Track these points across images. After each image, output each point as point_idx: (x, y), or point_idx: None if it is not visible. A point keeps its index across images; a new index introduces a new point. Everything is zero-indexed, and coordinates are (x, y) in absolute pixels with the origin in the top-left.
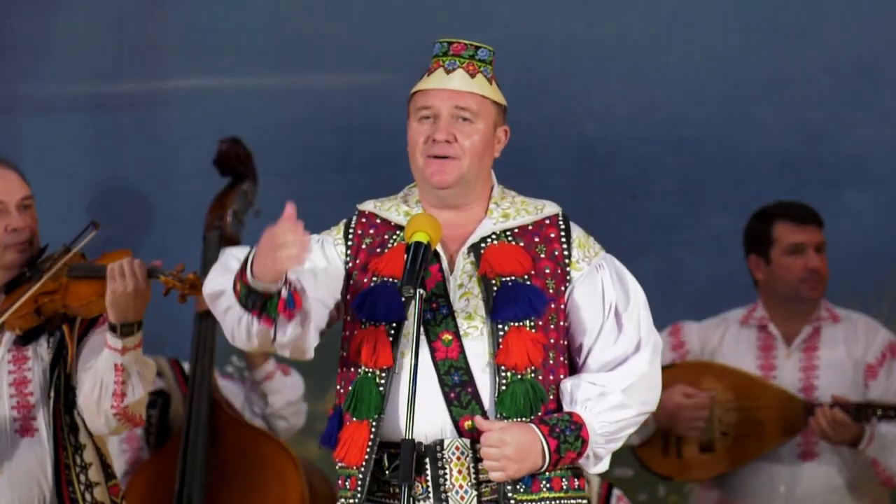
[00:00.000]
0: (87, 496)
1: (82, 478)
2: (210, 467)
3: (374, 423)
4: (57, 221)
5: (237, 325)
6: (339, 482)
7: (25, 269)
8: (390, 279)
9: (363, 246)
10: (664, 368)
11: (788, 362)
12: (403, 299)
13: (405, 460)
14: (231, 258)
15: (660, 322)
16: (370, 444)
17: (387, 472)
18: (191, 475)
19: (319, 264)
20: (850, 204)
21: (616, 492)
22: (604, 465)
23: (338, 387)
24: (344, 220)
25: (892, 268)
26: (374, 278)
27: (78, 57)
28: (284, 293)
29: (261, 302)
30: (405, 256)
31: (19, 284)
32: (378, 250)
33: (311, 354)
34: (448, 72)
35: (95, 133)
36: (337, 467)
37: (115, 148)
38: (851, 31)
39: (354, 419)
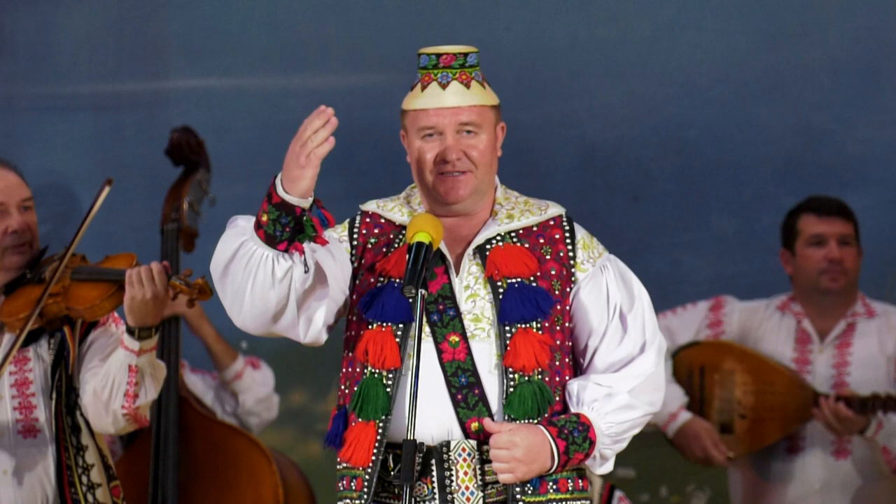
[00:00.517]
0: (90, 497)
1: (84, 479)
2: (182, 465)
3: (380, 424)
4: (56, 221)
5: (258, 276)
6: (343, 483)
7: (26, 271)
8: (398, 280)
9: (368, 246)
10: (687, 347)
11: (821, 357)
12: (410, 300)
13: (406, 461)
14: (239, 219)
15: (660, 324)
16: (377, 444)
17: (392, 472)
18: (163, 475)
19: (327, 260)
20: (852, 205)
21: (618, 493)
22: (609, 466)
23: (342, 387)
24: (348, 220)
25: (892, 269)
26: (382, 279)
27: (78, 57)
28: (315, 213)
29: (293, 223)
30: (406, 257)
31: (20, 285)
32: (384, 250)
33: (324, 337)
34: (443, 86)
35: (96, 133)
36: (340, 467)
37: (115, 148)
38: (853, 32)
39: (361, 420)
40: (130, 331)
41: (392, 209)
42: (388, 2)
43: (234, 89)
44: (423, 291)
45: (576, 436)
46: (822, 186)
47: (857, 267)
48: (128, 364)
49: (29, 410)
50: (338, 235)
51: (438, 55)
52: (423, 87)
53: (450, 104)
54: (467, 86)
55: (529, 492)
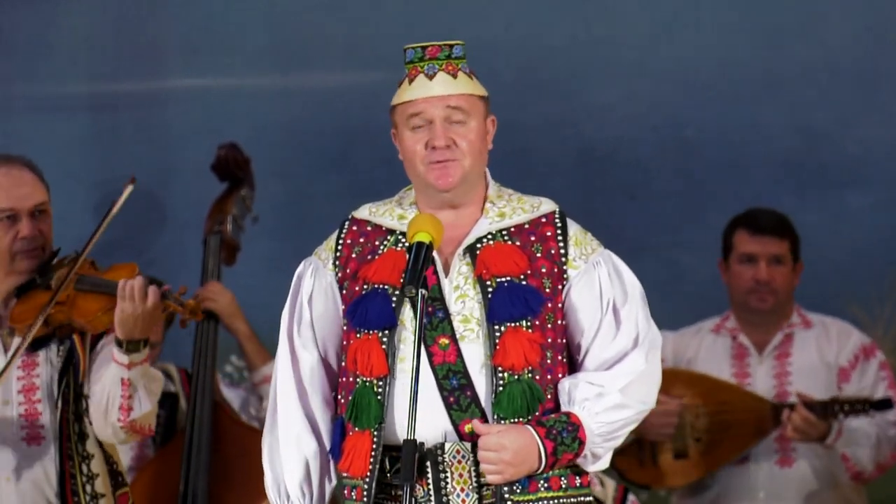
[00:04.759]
0: None
1: (88, 488)
2: (213, 469)
3: (375, 433)
4: (56, 222)
5: None
6: (345, 492)
7: (36, 275)
8: (380, 286)
9: (353, 255)
10: None
11: (761, 369)
12: (394, 305)
13: (407, 461)
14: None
15: (659, 324)
16: (373, 453)
17: (388, 474)
18: (195, 476)
19: (330, 321)
20: (851, 205)
21: (631, 497)
22: (603, 464)
23: (339, 396)
24: (335, 232)
25: (892, 269)
26: (365, 286)
27: (77, 57)
28: None
29: None
30: (407, 257)
31: (31, 289)
32: (369, 257)
33: None
34: (430, 77)
35: (95, 133)
36: (342, 477)
37: (114, 148)
38: (852, 31)
39: (357, 429)
40: (119, 343)
41: (383, 213)
42: (387, 1)
43: (232, 88)
44: (424, 291)
45: (564, 436)
46: (821, 186)
47: (789, 285)
48: (119, 377)
49: (34, 417)
50: (322, 258)
51: (424, 48)
52: (411, 81)
53: (437, 93)
54: (454, 76)
55: (518, 491)
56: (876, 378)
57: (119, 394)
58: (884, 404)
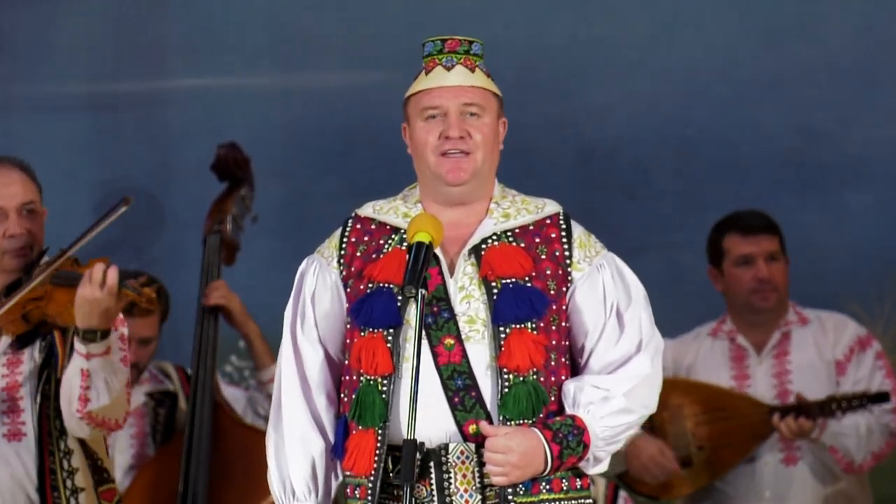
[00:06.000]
0: (73, 502)
1: (68, 483)
2: (213, 468)
3: (379, 431)
4: (56, 222)
5: None
6: (348, 491)
7: (23, 274)
8: (385, 285)
9: (357, 253)
10: None
11: (760, 369)
12: (399, 304)
13: (407, 460)
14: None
15: (660, 324)
16: (378, 451)
17: (391, 474)
18: (195, 476)
19: (334, 318)
20: (851, 204)
21: (622, 493)
22: (603, 467)
23: (342, 395)
24: (339, 230)
25: (892, 269)
26: (370, 284)
27: (77, 57)
28: None
29: None
30: (407, 257)
31: (17, 288)
32: (374, 256)
33: None
34: (448, 69)
35: (95, 133)
36: (345, 476)
37: (114, 148)
38: (852, 31)
39: (360, 427)
40: (77, 332)
41: (388, 211)
42: (386, 0)
43: (232, 88)
44: (424, 291)
45: (570, 440)
46: (821, 185)
47: (786, 281)
48: (79, 368)
49: (16, 414)
50: (326, 256)
51: (444, 40)
52: (427, 72)
53: (454, 83)
54: (472, 70)
55: (521, 492)
56: (873, 368)
57: (78, 384)
58: (881, 397)
